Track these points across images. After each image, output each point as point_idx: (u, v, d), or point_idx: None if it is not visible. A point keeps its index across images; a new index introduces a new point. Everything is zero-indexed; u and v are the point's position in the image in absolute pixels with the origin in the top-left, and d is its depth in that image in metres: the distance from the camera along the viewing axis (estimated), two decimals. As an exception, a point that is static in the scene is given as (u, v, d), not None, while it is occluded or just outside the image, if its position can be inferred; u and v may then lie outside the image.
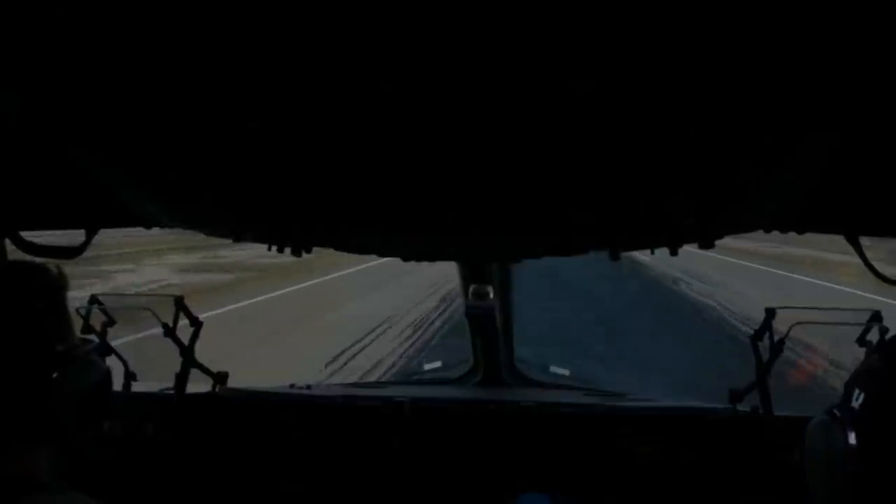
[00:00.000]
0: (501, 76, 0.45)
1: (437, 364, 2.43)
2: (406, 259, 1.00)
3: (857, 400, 0.75)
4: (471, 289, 1.83)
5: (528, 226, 0.74)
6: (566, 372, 2.27)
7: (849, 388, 0.78)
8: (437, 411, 1.75)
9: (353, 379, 5.41)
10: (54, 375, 0.78)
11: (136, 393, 1.76)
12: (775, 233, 0.97)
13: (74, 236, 1.03)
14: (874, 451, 0.72)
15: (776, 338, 1.61)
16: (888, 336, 1.48)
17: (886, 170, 0.74)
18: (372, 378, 5.54)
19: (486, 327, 1.96)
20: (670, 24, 0.40)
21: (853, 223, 0.91)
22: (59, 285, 0.86)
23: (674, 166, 0.60)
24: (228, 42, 0.44)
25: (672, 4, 0.39)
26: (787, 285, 11.44)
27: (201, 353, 1.78)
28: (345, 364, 6.68)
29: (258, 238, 0.90)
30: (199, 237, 1.08)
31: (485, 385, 2.17)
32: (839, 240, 0.97)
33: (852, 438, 0.73)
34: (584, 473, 1.68)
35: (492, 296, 1.83)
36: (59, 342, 0.80)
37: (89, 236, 1.02)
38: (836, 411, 0.77)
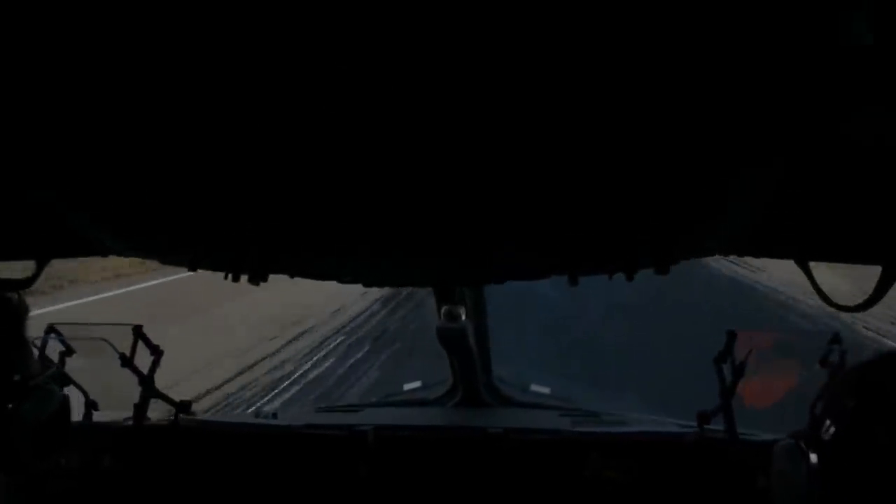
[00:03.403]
0: (461, 97, 0.48)
1: (417, 384, 2.46)
2: (368, 285, 1.01)
3: (827, 432, 0.80)
4: (443, 310, 1.87)
5: (488, 249, 0.77)
6: (546, 390, 2.32)
7: (819, 417, 0.83)
8: (403, 439, 1.78)
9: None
10: (10, 406, 0.80)
11: (95, 423, 1.76)
12: None
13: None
14: (839, 483, 0.78)
15: (737, 360, 1.65)
16: (848, 360, 1.57)
17: (834, 196, 0.78)
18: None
19: (460, 349, 2.00)
20: (623, 46, 0.43)
21: (803, 248, 0.95)
22: (17, 314, 0.89)
23: (628, 192, 0.63)
24: (179, 66, 0.46)
25: (621, 32, 0.42)
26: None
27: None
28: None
29: (215, 266, 0.90)
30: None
31: (464, 405, 2.20)
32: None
33: (817, 467, 0.79)
34: (553, 500, 1.71)
35: (464, 317, 1.88)
36: (17, 372, 0.83)
37: (40, 266, 1.02)
38: (802, 442, 0.82)
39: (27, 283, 0.99)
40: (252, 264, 0.89)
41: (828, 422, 0.80)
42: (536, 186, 0.61)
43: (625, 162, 0.57)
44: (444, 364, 2.23)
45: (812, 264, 0.98)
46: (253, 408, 4.92)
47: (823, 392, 0.87)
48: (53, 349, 1.66)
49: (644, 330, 6.79)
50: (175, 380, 4.77)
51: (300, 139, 0.54)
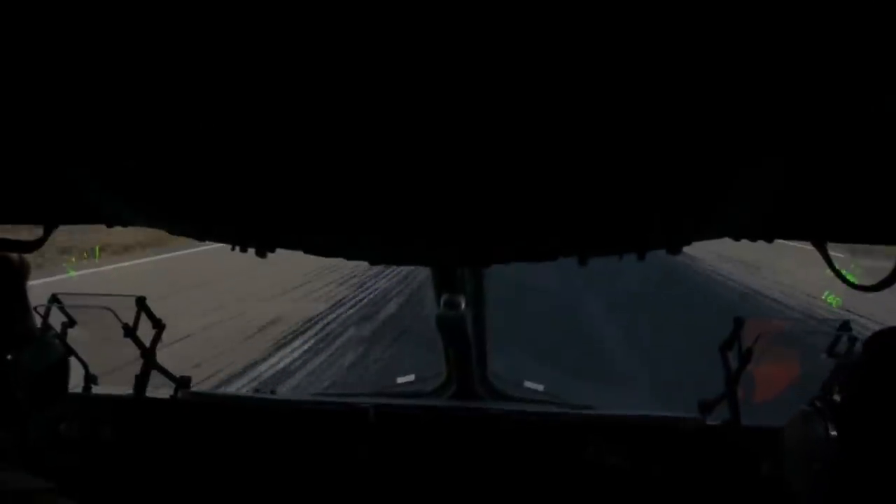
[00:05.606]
0: (473, 76, 0.49)
1: (411, 377, 2.50)
2: (374, 263, 1.01)
3: (839, 395, 0.83)
4: (442, 298, 1.92)
5: (497, 227, 0.76)
6: (540, 387, 2.35)
7: (830, 382, 0.87)
8: (403, 419, 1.83)
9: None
10: (9, 357, 0.86)
11: (95, 395, 1.82)
12: None
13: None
14: (853, 441, 0.81)
15: (744, 347, 1.68)
16: (863, 336, 1.59)
17: (850, 177, 0.79)
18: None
19: (458, 338, 2.04)
20: (635, 34, 0.44)
21: (820, 230, 0.96)
22: (18, 272, 0.95)
23: (639, 171, 0.63)
24: (190, 37, 0.47)
25: (637, 18, 0.43)
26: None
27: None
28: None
29: (222, 237, 0.91)
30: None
31: (457, 399, 2.24)
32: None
33: (835, 429, 0.82)
34: (552, 484, 1.75)
35: (464, 306, 1.92)
36: (17, 325, 0.89)
37: (47, 232, 1.04)
38: (816, 402, 0.85)
39: (35, 245, 1.03)
40: (259, 237, 0.90)
41: (836, 385, 0.84)
42: (546, 167, 0.61)
43: (636, 144, 0.57)
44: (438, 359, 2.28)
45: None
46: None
47: (836, 368, 0.89)
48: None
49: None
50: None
51: (307, 124, 0.56)
